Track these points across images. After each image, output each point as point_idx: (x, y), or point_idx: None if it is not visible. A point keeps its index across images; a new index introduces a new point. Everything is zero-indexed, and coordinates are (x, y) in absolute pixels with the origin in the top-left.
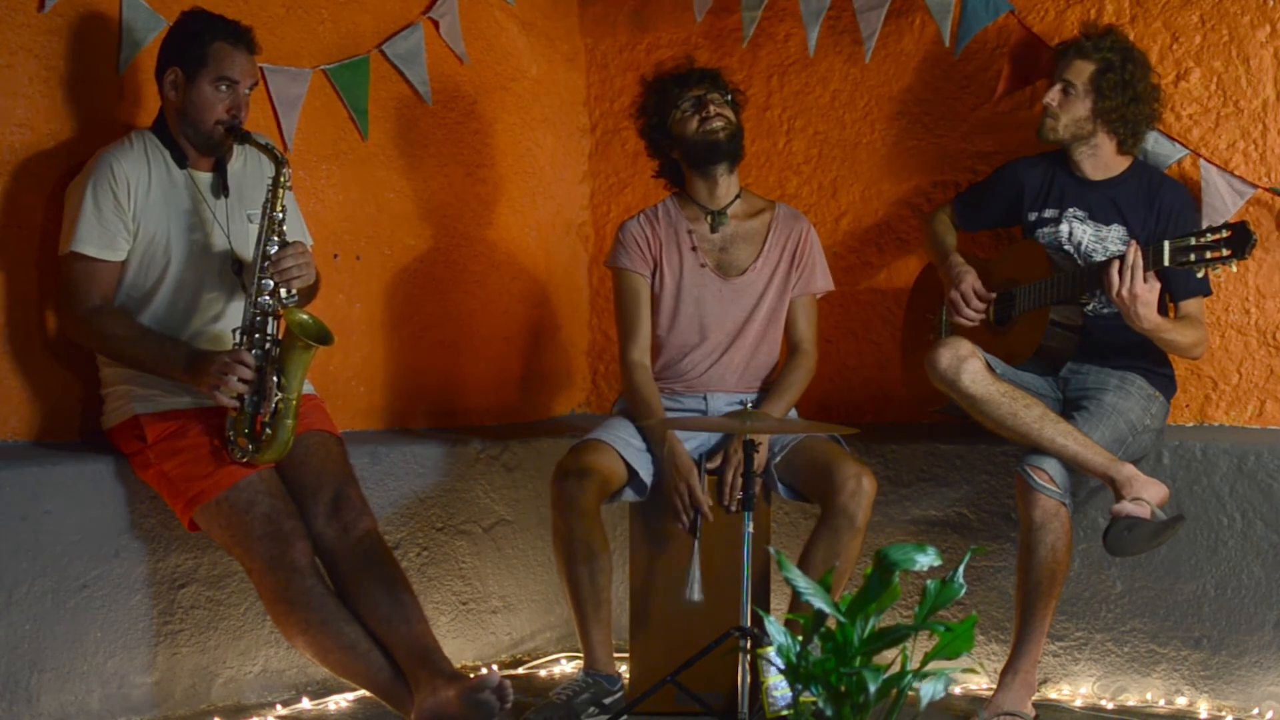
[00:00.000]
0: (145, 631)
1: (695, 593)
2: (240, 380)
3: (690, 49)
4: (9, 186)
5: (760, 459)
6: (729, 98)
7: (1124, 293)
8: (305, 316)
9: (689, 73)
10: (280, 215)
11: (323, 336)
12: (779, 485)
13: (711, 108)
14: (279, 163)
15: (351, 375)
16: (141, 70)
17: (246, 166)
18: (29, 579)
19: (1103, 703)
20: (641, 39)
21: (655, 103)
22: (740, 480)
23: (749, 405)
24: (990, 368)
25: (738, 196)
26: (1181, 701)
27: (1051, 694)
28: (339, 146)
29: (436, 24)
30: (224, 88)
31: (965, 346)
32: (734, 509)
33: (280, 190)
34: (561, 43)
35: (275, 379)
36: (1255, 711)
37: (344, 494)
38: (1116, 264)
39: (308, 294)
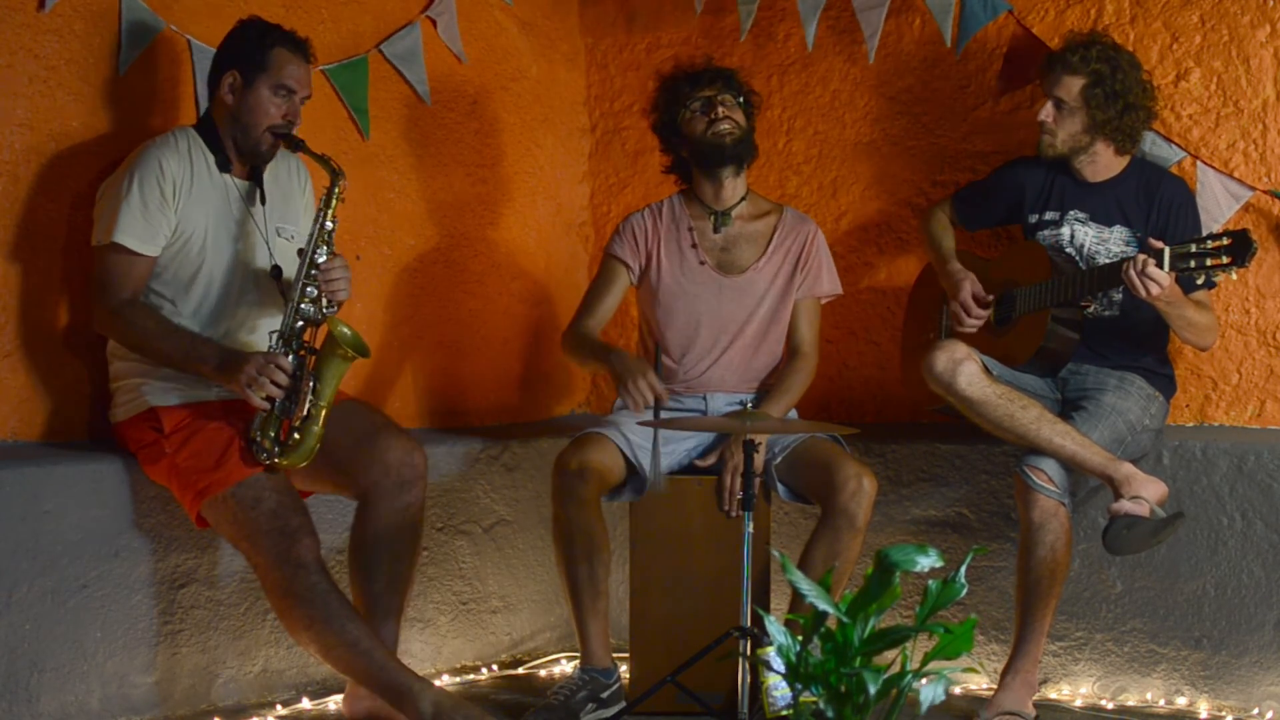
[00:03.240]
0: (145, 631)
1: (661, 484)
2: (274, 383)
3: (690, 49)
4: (11, 187)
5: (759, 459)
6: (740, 99)
7: (1154, 292)
8: (346, 328)
9: (702, 71)
10: (331, 226)
11: (360, 348)
12: (779, 486)
13: (720, 110)
14: (335, 174)
15: (352, 374)
16: (144, 70)
17: (277, 177)
18: (29, 579)
19: (1103, 703)
20: (641, 39)
21: (666, 100)
22: (738, 482)
23: (749, 405)
24: (987, 369)
25: (743, 198)
26: (1181, 701)
27: (1051, 694)
28: (338, 146)
29: (435, 23)
30: (281, 94)
31: (961, 349)
32: (734, 513)
33: (334, 201)
34: (561, 43)
35: (311, 385)
36: (1255, 711)
37: (411, 458)
38: (1136, 278)
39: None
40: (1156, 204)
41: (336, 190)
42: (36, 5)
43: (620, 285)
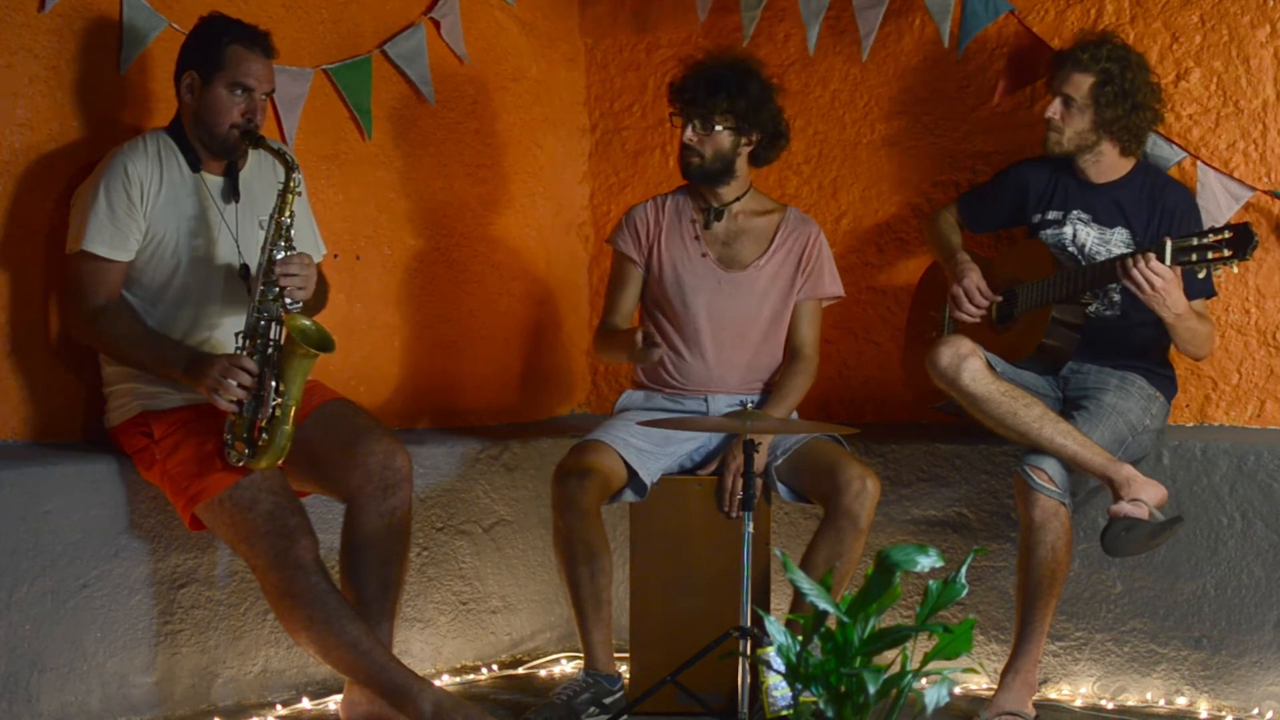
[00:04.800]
0: (145, 631)
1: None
2: (239, 385)
3: (691, 49)
4: (10, 187)
5: (760, 459)
6: (718, 127)
7: (1158, 285)
8: (307, 323)
9: (695, 85)
10: (288, 221)
11: (324, 344)
12: (780, 486)
13: (688, 136)
14: (290, 168)
15: (352, 375)
16: (144, 70)
17: (260, 172)
18: (29, 579)
19: (1103, 703)
20: (641, 39)
21: (671, 99)
22: (739, 483)
23: (749, 405)
24: (991, 366)
25: (740, 197)
26: (1181, 701)
27: (1051, 694)
28: (338, 146)
29: (438, 24)
30: (239, 92)
31: (966, 345)
32: (734, 514)
33: (290, 196)
34: (561, 43)
35: (274, 384)
36: (1255, 711)
37: (393, 461)
38: (1137, 275)
39: (318, 301)
40: (1159, 210)
41: (291, 185)
42: (37, 5)
43: (635, 278)
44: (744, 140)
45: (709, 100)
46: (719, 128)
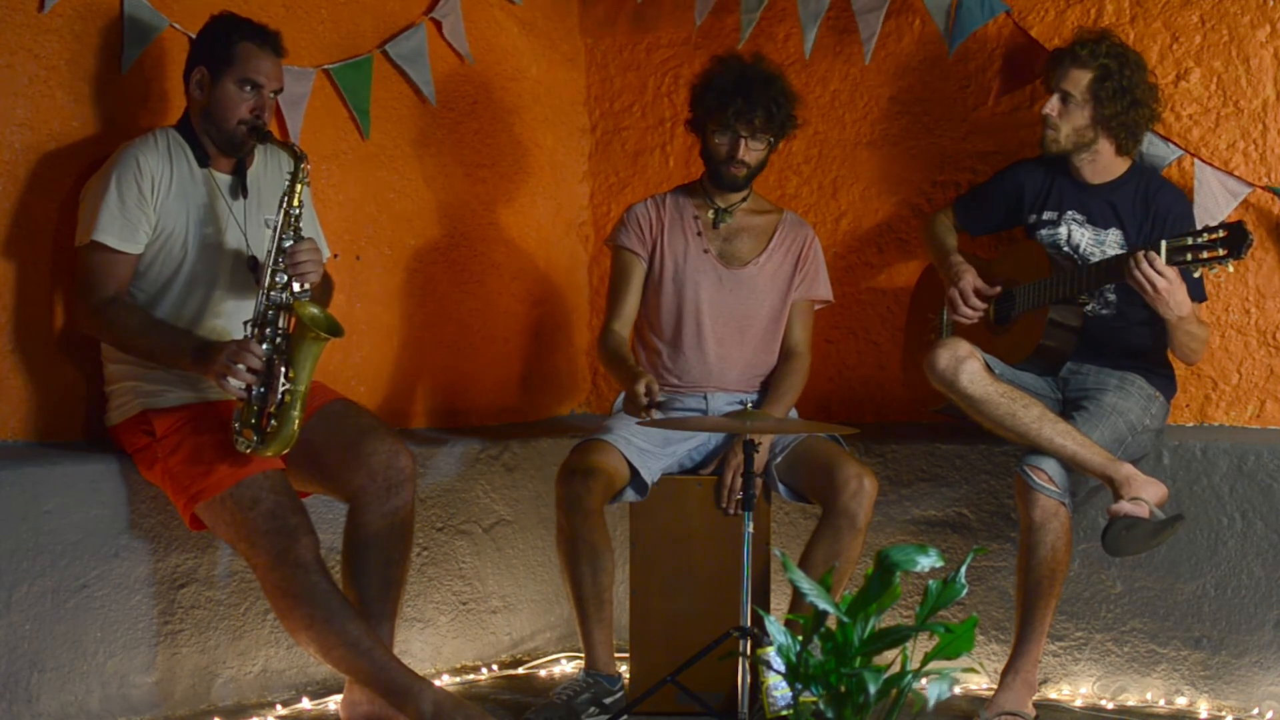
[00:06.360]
0: (145, 631)
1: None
2: (249, 370)
3: (690, 49)
4: (11, 187)
5: (760, 459)
6: (771, 138)
7: (1161, 286)
8: (316, 310)
9: (747, 100)
10: (297, 210)
11: (333, 329)
12: (779, 486)
13: (741, 151)
14: (298, 158)
15: (351, 375)
16: (145, 70)
17: (266, 171)
18: (29, 579)
19: (1103, 703)
20: (641, 39)
21: (705, 102)
22: (739, 481)
23: (749, 405)
24: (989, 368)
25: (745, 198)
26: (1181, 701)
27: (1051, 694)
28: (339, 146)
29: (439, 24)
30: (248, 89)
31: (964, 347)
32: (733, 511)
33: (298, 185)
34: (561, 43)
35: (284, 370)
36: (1255, 711)
37: (396, 461)
38: (1139, 275)
39: (323, 300)
40: (1152, 212)
41: (300, 174)
42: (37, 5)
43: (639, 274)
44: (776, 144)
45: (767, 119)
46: (771, 140)
